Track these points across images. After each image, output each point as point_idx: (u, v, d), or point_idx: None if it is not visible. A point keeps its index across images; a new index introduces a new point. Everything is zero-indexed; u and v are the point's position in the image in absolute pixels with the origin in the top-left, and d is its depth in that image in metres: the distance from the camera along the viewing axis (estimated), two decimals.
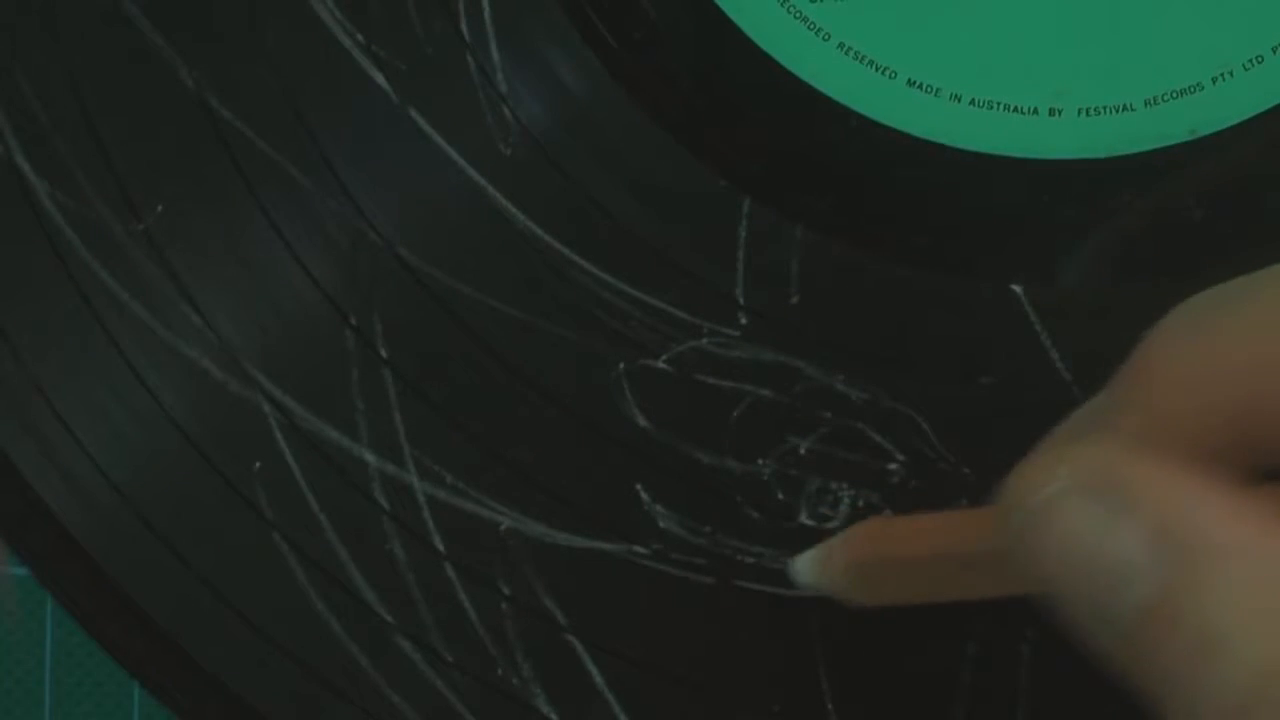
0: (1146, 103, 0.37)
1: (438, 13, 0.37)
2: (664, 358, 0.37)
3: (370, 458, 0.37)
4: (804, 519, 0.37)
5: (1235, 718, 0.25)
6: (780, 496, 0.37)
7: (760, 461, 0.37)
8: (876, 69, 0.38)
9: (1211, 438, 0.27)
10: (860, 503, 0.37)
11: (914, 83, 0.38)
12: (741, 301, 0.37)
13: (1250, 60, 0.37)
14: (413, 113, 0.37)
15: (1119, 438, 0.27)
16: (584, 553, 0.37)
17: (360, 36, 0.37)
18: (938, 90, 0.38)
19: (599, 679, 0.37)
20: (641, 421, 0.37)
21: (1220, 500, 0.26)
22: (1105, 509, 0.26)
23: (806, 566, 0.35)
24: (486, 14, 0.37)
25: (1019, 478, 0.28)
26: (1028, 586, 0.28)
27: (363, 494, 0.37)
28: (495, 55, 0.37)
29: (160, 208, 0.37)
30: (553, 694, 0.37)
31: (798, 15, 0.38)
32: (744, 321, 0.37)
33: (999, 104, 0.37)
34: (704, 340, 0.37)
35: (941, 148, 0.37)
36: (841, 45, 0.38)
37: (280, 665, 0.37)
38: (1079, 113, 0.37)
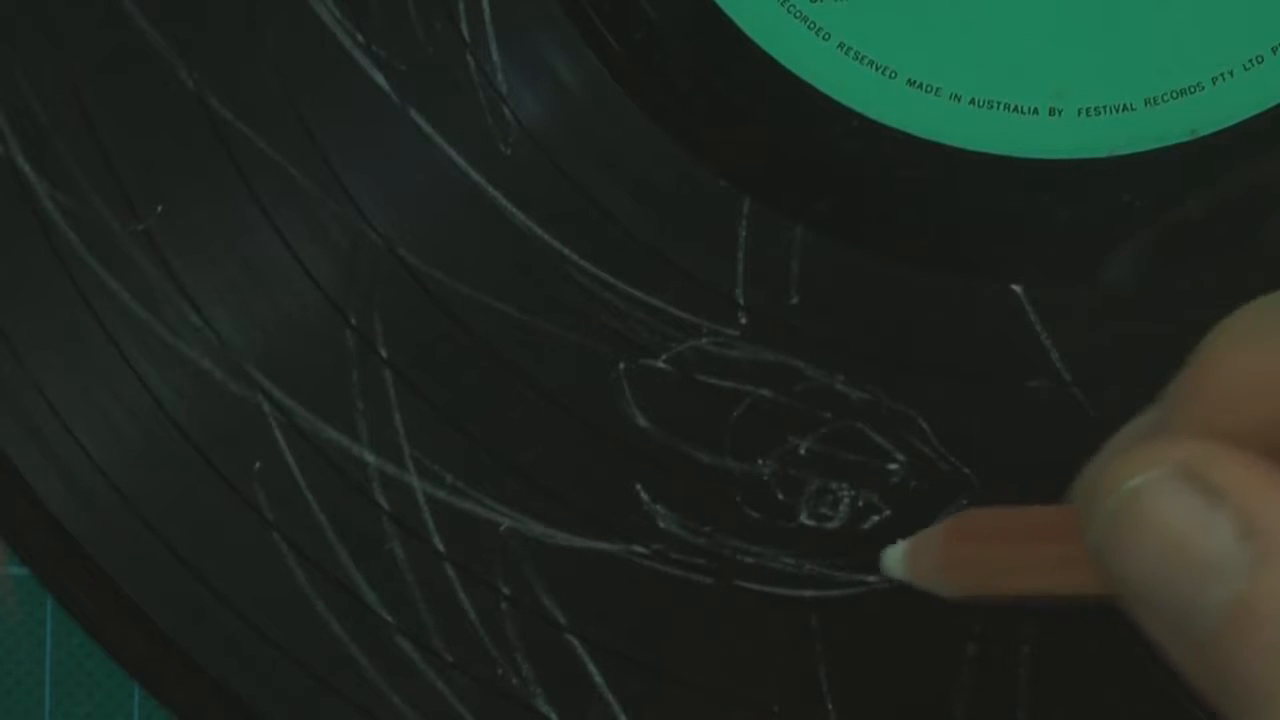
0: (1146, 103, 0.37)
1: (438, 13, 0.37)
2: (664, 358, 0.37)
3: (370, 458, 0.37)
4: (804, 519, 0.37)
5: None
6: (780, 496, 0.37)
7: (760, 461, 0.37)
8: (876, 69, 0.38)
9: (1271, 444, 0.27)
10: (860, 503, 0.37)
11: (914, 83, 0.38)
12: (741, 301, 0.37)
13: (1250, 60, 0.37)
14: (413, 113, 0.37)
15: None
16: (584, 553, 0.37)
17: (360, 36, 0.37)
18: (938, 90, 0.38)
19: (599, 679, 0.37)
20: (641, 421, 0.37)
21: None
22: (1196, 500, 0.26)
23: (898, 557, 0.34)
24: (486, 14, 0.37)
25: (1100, 473, 0.28)
26: (1111, 587, 0.28)
27: (363, 494, 0.37)
28: (495, 55, 0.37)
29: (160, 208, 0.37)
30: (553, 694, 0.37)
31: (798, 15, 0.38)
32: (744, 321, 0.37)
33: (999, 104, 0.37)
34: (704, 340, 0.37)
35: (941, 148, 0.37)
36: (841, 45, 0.38)
37: (280, 665, 0.37)
38: (1079, 113, 0.37)
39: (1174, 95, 0.37)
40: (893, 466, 0.37)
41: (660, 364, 0.37)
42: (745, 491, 0.36)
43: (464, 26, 0.37)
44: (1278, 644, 0.25)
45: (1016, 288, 0.37)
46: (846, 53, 0.38)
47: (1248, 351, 0.27)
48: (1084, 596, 0.29)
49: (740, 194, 0.37)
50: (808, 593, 0.37)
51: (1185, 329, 0.28)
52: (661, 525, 0.37)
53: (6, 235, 0.37)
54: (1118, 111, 0.37)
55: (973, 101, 0.38)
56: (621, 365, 0.37)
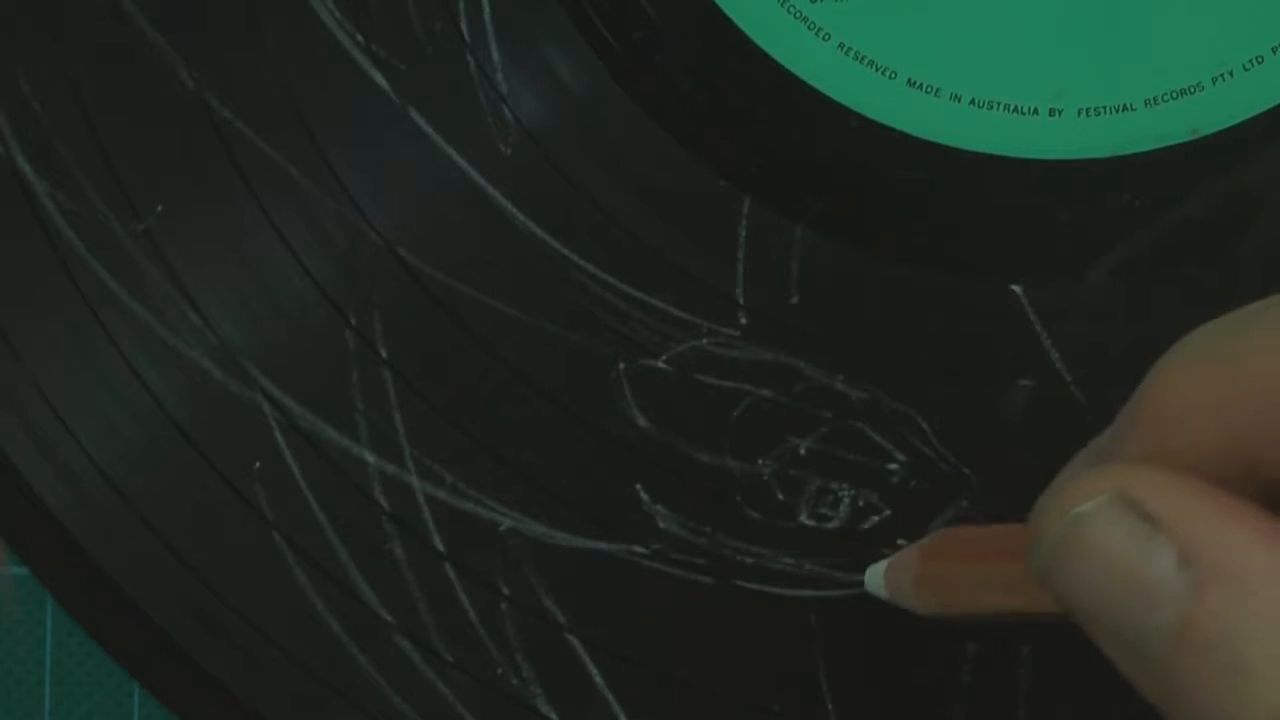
0: (1146, 103, 0.37)
1: (438, 13, 0.37)
2: (664, 358, 0.37)
3: (370, 458, 0.37)
4: (804, 519, 0.37)
5: None
6: (780, 496, 0.37)
7: (760, 461, 0.37)
8: (876, 69, 0.38)
9: (1219, 466, 0.27)
10: (860, 503, 0.37)
11: (914, 83, 0.38)
12: (741, 301, 0.37)
13: (1250, 60, 0.37)
14: (413, 113, 0.37)
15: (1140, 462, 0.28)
16: (584, 553, 0.37)
17: (360, 36, 0.37)
18: (938, 90, 0.38)
19: (599, 679, 0.37)
20: (641, 421, 0.37)
21: (1250, 525, 0.26)
22: (1138, 528, 0.27)
23: (878, 576, 0.35)
24: (486, 14, 0.37)
25: (1049, 499, 0.28)
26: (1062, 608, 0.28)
27: (363, 494, 0.37)
28: (495, 55, 0.37)
29: (160, 208, 0.37)
30: (553, 694, 0.37)
31: (798, 15, 0.38)
32: (744, 321, 0.37)
33: (999, 104, 0.37)
34: (704, 340, 0.37)
35: (941, 148, 0.37)
36: (841, 45, 0.38)
37: (280, 665, 0.37)
38: (1079, 113, 0.37)
39: (1174, 95, 0.37)
40: (893, 466, 0.37)
41: (660, 364, 0.37)
42: (745, 491, 0.36)
43: (464, 26, 0.37)
44: (1223, 667, 0.25)
45: (1016, 288, 0.37)
46: (846, 53, 0.38)
47: (1195, 376, 0.27)
48: (1051, 614, 0.29)
49: (740, 194, 0.37)
50: (808, 593, 0.37)
51: (1185, 330, 0.28)
52: (661, 525, 0.37)
53: (6, 235, 0.37)
54: (1118, 111, 0.37)
55: (973, 101, 0.38)
56: (621, 365, 0.37)
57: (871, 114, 0.37)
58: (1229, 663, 0.25)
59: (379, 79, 0.37)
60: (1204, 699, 0.26)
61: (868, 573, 0.35)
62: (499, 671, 0.37)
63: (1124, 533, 0.27)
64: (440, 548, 0.37)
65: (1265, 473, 0.27)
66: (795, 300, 0.37)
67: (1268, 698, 0.25)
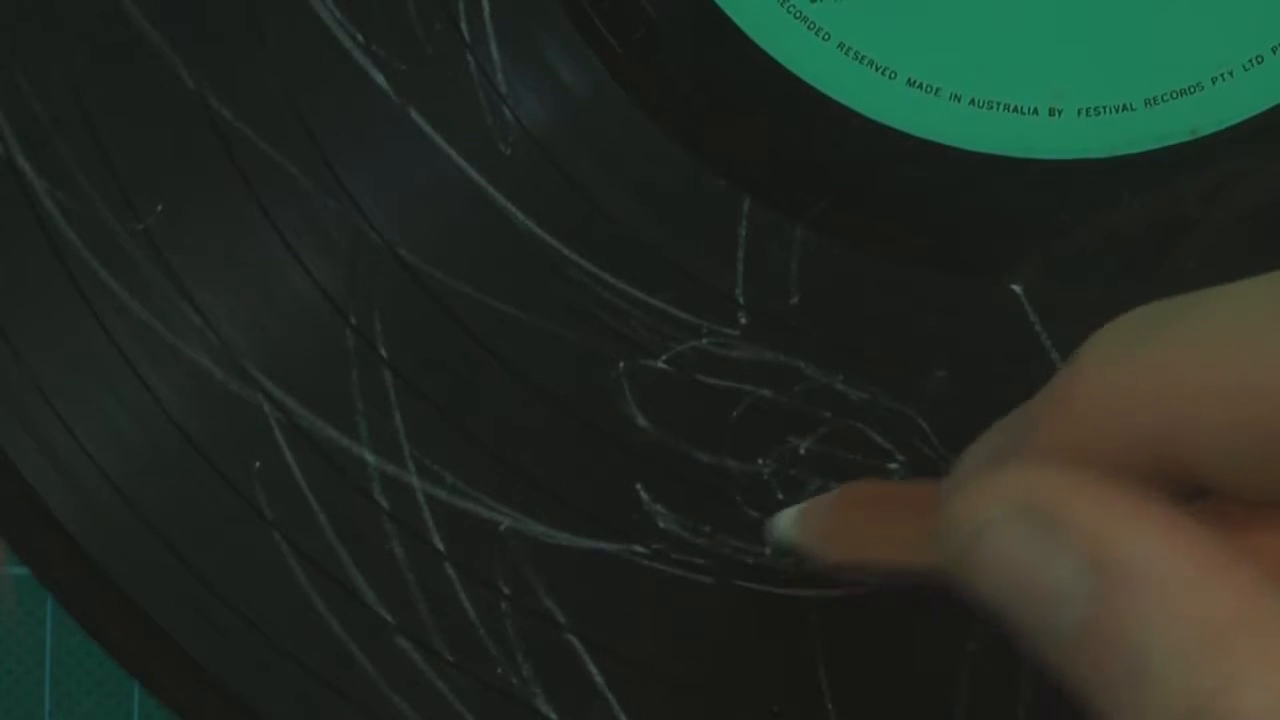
0: (1146, 103, 0.37)
1: (438, 13, 0.37)
2: (664, 358, 0.37)
3: (370, 458, 0.37)
4: None
5: None
6: (780, 496, 0.37)
7: (760, 461, 0.37)
8: (876, 69, 0.38)
9: (1132, 460, 0.27)
10: None
11: (914, 83, 0.38)
12: (741, 301, 0.37)
13: (1250, 60, 0.37)
14: (413, 113, 0.37)
15: (1048, 457, 0.28)
16: (584, 553, 0.37)
17: (360, 36, 0.37)
18: (938, 90, 0.38)
19: (599, 679, 0.37)
20: (641, 421, 0.37)
21: (1152, 525, 0.26)
22: (1039, 535, 0.27)
23: (788, 522, 0.34)
24: (486, 14, 0.37)
25: (954, 500, 0.28)
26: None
27: (363, 494, 0.37)
28: (495, 55, 0.37)
29: (160, 208, 0.37)
30: (553, 694, 0.37)
31: (798, 15, 0.38)
32: (744, 321, 0.37)
33: (999, 104, 0.37)
34: (704, 340, 0.37)
35: (941, 148, 0.37)
36: (841, 45, 0.38)
37: (280, 665, 0.37)
38: (1079, 113, 0.37)
39: (1174, 95, 0.37)
40: (893, 466, 0.37)
41: (660, 364, 0.37)
42: (745, 491, 0.36)
43: (464, 26, 0.37)
44: (1125, 670, 0.26)
45: (1016, 288, 0.37)
46: (846, 53, 0.38)
47: (1118, 365, 0.27)
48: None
49: (740, 194, 0.37)
50: (808, 593, 0.37)
51: None
52: (661, 525, 0.37)
53: (6, 235, 0.37)
54: (1118, 111, 0.37)
55: (973, 101, 0.38)
56: (621, 365, 0.37)
57: (871, 114, 0.37)
58: (1130, 665, 0.26)
59: (379, 79, 0.37)
60: (1108, 700, 0.26)
61: (776, 519, 0.34)
62: (499, 671, 0.37)
63: (1028, 541, 0.27)
64: (440, 548, 0.37)
65: (1177, 470, 0.27)
66: (795, 300, 0.37)
67: (1167, 702, 0.25)
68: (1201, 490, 0.27)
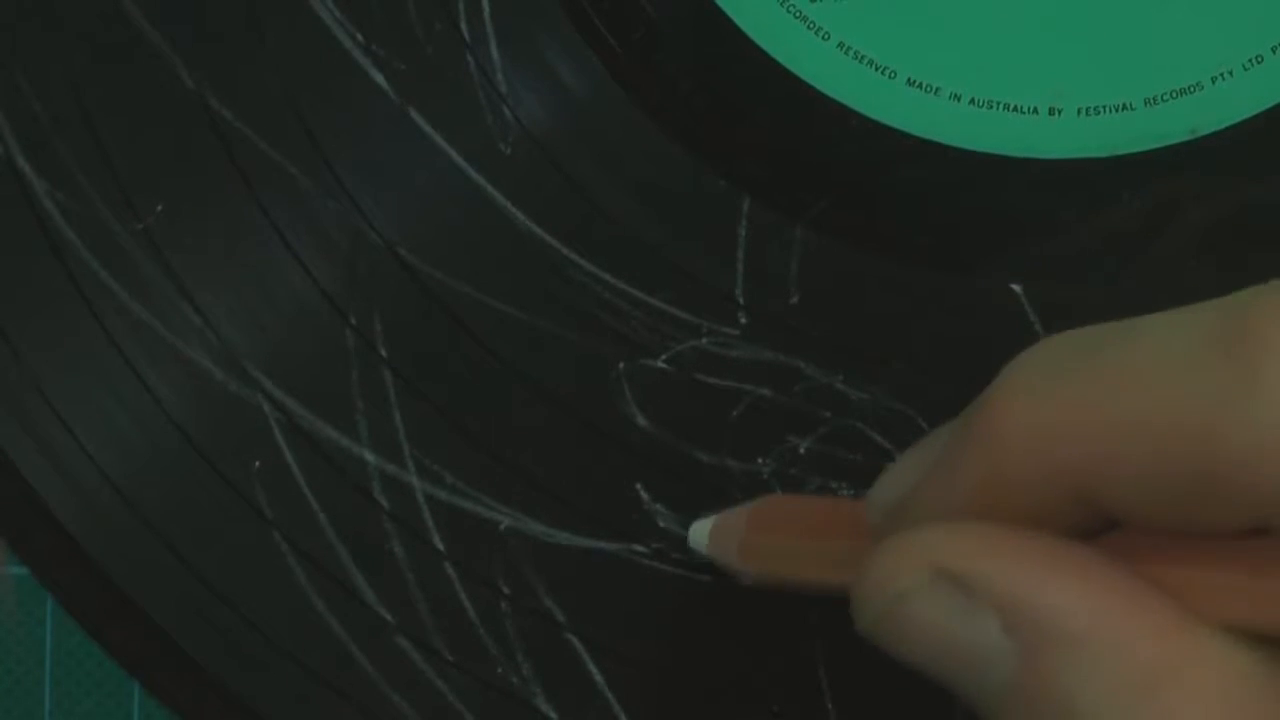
0: (1146, 103, 0.37)
1: (438, 13, 0.37)
2: (664, 358, 0.37)
3: (370, 458, 0.37)
4: None
5: None
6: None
7: (760, 461, 0.37)
8: (876, 69, 0.38)
9: (1049, 494, 0.27)
10: None
11: (914, 83, 0.38)
12: (741, 301, 0.37)
13: (1250, 60, 0.37)
14: (413, 113, 0.37)
15: (962, 500, 0.28)
16: (584, 553, 0.37)
17: (360, 36, 0.37)
18: (938, 90, 0.38)
19: (599, 679, 0.37)
20: (641, 421, 0.37)
21: (1068, 576, 0.26)
22: (956, 600, 0.27)
23: (702, 534, 0.34)
24: (486, 14, 0.37)
25: (866, 568, 0.28)
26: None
27: (363, 494, 0.37)
28: (495, 55, 0.37)
29: (160, 208, 0.37)
30: (553, 694, 0.37)
31: (798, 15, 0.38)
32: (744, 321, 0.37)
33: (999, 104, 0.37)
34: (704, 340, 0.37)
35: (941, 148, 0.37)
36: (841, 45, 0.38)
37: (280, 665, 0.37)
38: (1079, 113, 0.37)
39: (1174, 95, 0.37)
40: None
41: (660, 364, 0.37)
42: (745, 491, 0.36)
43: (464, 26, 0.37)
44: None
45: (1016, 288, 0.37)
46: (846, 53, 0.38)
47: (1038, 400, 0.27)
48: None
49: (740, 194, 0.37)
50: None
51: None
52: (661, 525, 0.37)
53: (6, 235, 0.37)
54: (1118, 111, 0.37)
55: (973, 101, 0.38)
56: (621, 365, 0.37)
57: (871, 114, 0.37)
58: (1057, 716, 0.26)
59: (379, 79, 0.37)
60: None
61: (692, 529, 0.34)
62: (499, 671, 0.37)
63: (945, 608, 0.27)
64: (440, 548, 0.37)
65: (1093, 502, 0.27)
66: (795, 300, 0.37)
67: None
68: (1114, 522, 0.27)
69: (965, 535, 0.27)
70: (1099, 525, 0.27)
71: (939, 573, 0.27)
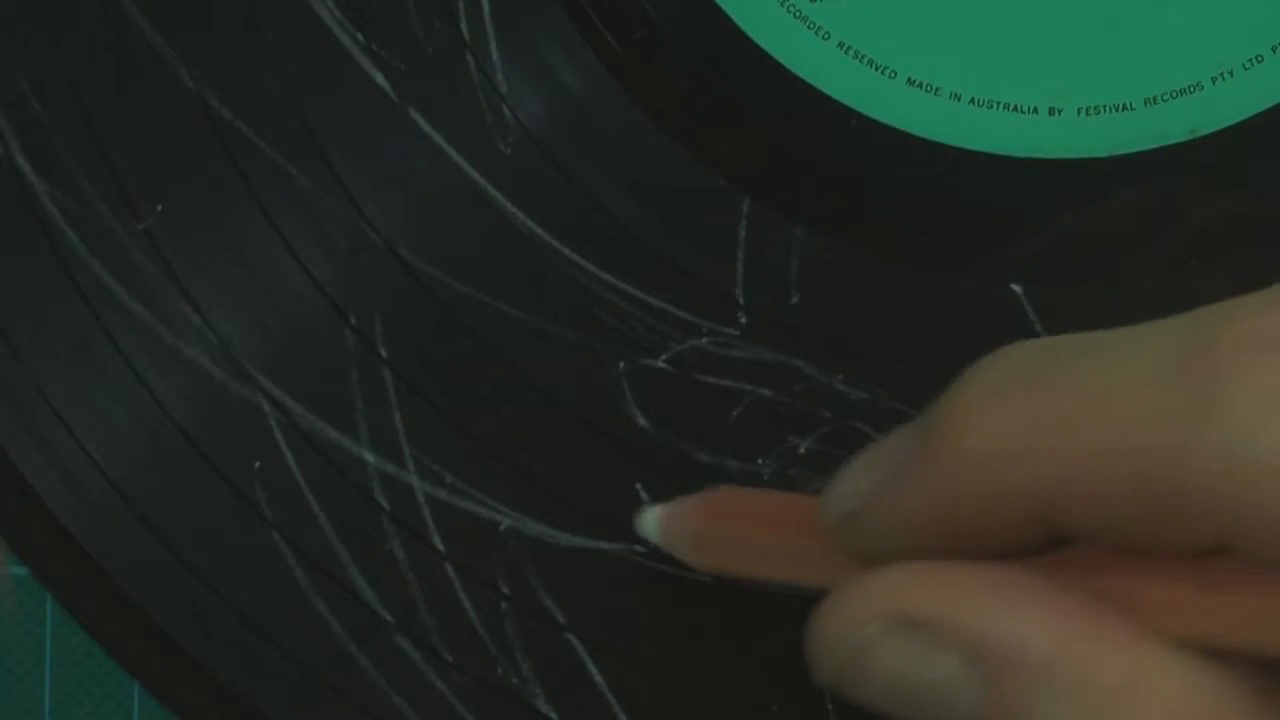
0: (1146, 102, 0.37)
1: (438, 13, 0.37)
2: (664, 357, 0.37)
3: (370, 458, 0.37)
4: None
5: None
6: None
7: (760, 461, 0.37)
8: (876, 69, 0.38)
9: (1008, 512, 0.27)
10: None
11: (914, 82, 0.38)
12: (741, 301, 0.37)
13: (1250, 60, 0.37)
14: (413, 113, 0.37)
15: (923, 516, 0.28)
16: (584, 553, 0.37)
17: (360, 36, 0.37)
18: (938, 90, 0.38)
19: (599, 679, 0.37)
20: (641, 421, 0.37)
21: (1027, 609, 0.27)
22: (916, 641, 0.27)
23: (653, 523, 0.34)
24: (486, 14, 0.37)
25: (824, 618, 0.28)
26: None
27: (363, 494, 0.37)
28: (495, 55, 0.37)
29: (160, 208, 0.37)
30: (552, 693, 0.37)
31: (798, 15, 0.38)
32: (744, 321, 0.37)
33: (999, 104, 0.37)
34: (704, 340, 0.37)
35: (941, 148, 0.37)
36: (841, 45, 0.38)
37: (280, 665, 0.37)
38: (1079, 112, 0.37)
39: (1174, 95, 0.37)
40: None
41: (660, 364, 0.37)
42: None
43: (464, 26, 0.37)
44: None
45: (1016, 288, 0.37)
46: (846, 53, 0.38)
47: (996, 417, 0.27)
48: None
49: (740, 194, 0.37)
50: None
51: None
52: None
53: (6, 235, 0.37)
54: (1118, 111, 0.37)
55: (973, 101, 0.38)
56: (621, 365, 0.37)
57: (871, 114, 0.37)
58: None
59: (379, 79, 0.37)
60: None
61: (642, 517, 0.34)
62: (499, 671, 0.37)
63: (904, 652, 0.27)
64: (440, 548, 0.37)
65: (1056, 522, 0.27)
66: (795, 300, 0.37)
67: None
68: (1067, 538, 0.27)
69: (919, 576, 0.27)
70: (1052, 541, 0.27)
71: (896, 618, 0.27)
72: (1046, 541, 0.27)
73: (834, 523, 0.29)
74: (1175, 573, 0.27)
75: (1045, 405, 0.27)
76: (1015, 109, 0.37)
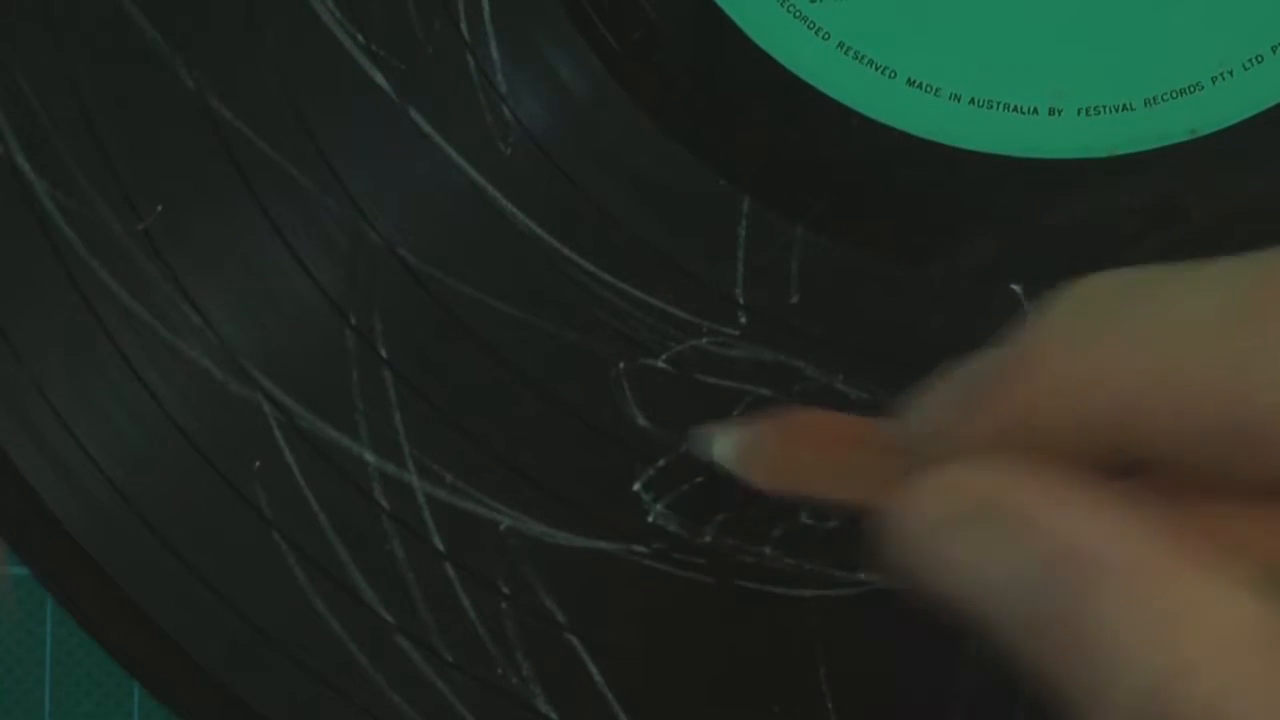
0: (1146, 103, 0.37)
1: (438, 13, 0.37)
2: (664, 357, 0.37)
3: (370, 458, 0.37)
4: (804, 518, 0.37)
5: None
6: None
7: None
8: (876, 69, 0.38)
9: (1084, 439, 0.27)
10: None
11: (914, 83, 0.38)
12: (741, 301, 0.37)
13: (1250, 60, 0.37)
14: (413, 113, 0.37)
15: (1000, 438, 0.28)
16: (584, 553, 0.37)
17: (360, 36, 0.37)
18: (938, 90, 0.38)
19: (599, 679, 0.37)
20: (641, 421, 0.37)
21: (1108, 517, 0.27)
22: (999, 534, 0.27)
23: (727, 446, 0.33)
24: (486, 14, 0.37)
25: (903, 500, 0.28)
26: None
27: (363, 494, 0.37)
28: (495, 55, 0.37)
29: (160, 208, 0.37)
30: (552, 694, 0.37)
31: (798, 15, 0.38)
32: (744, 321, 0.37)
33: (999, 104, 0.37)
34: (704, 340, 0.37)
35: (941, 148, 0.37)
36: (841, 45, 0.38)
37: (280, 665, 0.37)
38: (1079, 113, 0.37)
39: (1174, 95, 0.37)
40: None
41: (660, 364, 0.37)
42: (745, 491, 0.36)
43: (464, 26, 0.37)
44: (1090, 655, 0.26)
45: (1016, 288, 0.37)
46: (846, 53, 0.38)
47: (1079, 348, 0.28)
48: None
49: (740, 194, 0.37)
50: (808, 592, 0.37)
51: None
52: (661, 525, 0.37)
53: (6, 235, 0.37)
54: (1118, 111, 0.37)
55: (973, 101, 0.38)
56: (621, 365, 0.37)
57: (871, 114, 0.37)
58: (1094, 651, 0.26)
59: (379, 79, 0.37)
60: (1070, 683, 0.26)
61: (713, 441, 0.33)
62: (499, 671, 0.37)
63: (984, 540, 0.27)
64: (440, 548, 0.37)
65: (1131, 450, 0.27)
66: (795, 300, 0.37)
67: (1131, 682, 0.26)
68: (1140, 466, 0.28)
69: (1010, 469, 0.27)
70: (1126, 469, 0.28)
71: (982, 504, 0.27)
72: (1121, 468, 0.27)
73: (910, 442, 0.29)
74: (1246, 505, 0.27)
75: (1124, 338, 0.27)
76: (1015, 109, 0.37)
